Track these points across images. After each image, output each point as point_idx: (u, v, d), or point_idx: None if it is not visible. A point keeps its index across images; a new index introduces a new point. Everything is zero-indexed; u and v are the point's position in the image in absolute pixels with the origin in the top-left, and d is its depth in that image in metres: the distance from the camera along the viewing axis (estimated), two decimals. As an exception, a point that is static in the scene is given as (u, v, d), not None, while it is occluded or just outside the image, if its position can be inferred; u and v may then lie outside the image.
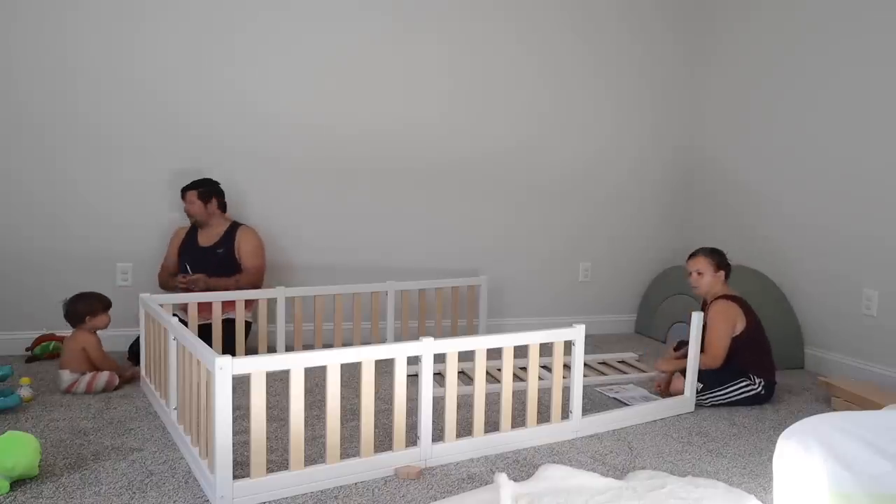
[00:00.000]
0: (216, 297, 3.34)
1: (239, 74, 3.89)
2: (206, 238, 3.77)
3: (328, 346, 3.82)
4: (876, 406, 2.76)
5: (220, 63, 3.85)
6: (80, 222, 3.68)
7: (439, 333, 3.94)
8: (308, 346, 3.80)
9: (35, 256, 3.62)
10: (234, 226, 3.80)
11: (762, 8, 4.26)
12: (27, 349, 3.50)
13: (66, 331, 3.61)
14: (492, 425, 2.58)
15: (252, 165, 3.95)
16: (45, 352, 3.49)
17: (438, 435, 2.47)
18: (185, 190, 3.73)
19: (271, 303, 3.49)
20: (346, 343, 3.89)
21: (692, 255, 3.30)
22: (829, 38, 3.83)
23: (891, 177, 3.50)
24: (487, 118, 4.39)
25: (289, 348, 3.69)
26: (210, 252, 3.72)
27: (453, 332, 4.07)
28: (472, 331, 4.16)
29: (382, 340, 3.90)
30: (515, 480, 2.23)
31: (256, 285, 3.70)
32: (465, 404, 2.88)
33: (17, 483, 2.09)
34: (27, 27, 3.53)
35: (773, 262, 4.16)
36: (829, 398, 3.22)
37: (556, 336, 2.66)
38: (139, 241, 3.78)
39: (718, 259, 3.26)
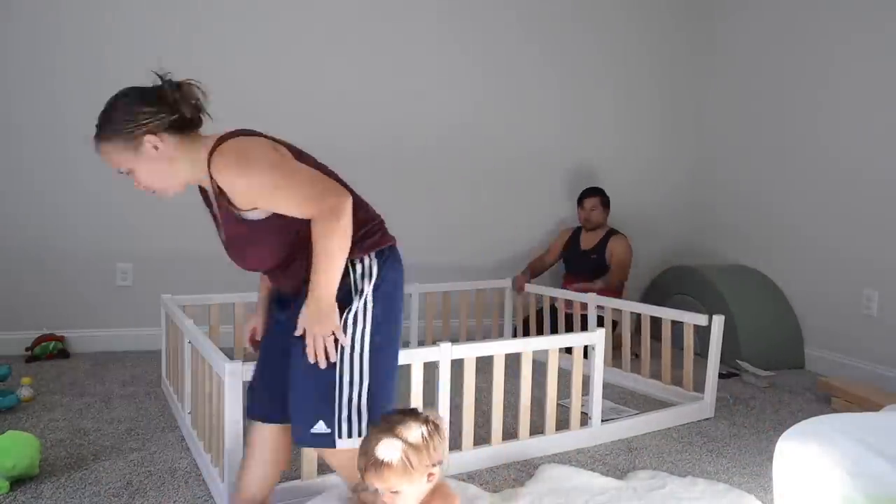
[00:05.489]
0: None
1: (249, 70, 3.84)
2: (587, 242, 4.17)
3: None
4: (876, 406, 2.76)
5: (229, 58, 3.80)
6: (81, 222, 3.67)
7: (464, 336, 3.94)
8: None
9: (35, 256, 3.61)
10: (610, 233, 4.14)
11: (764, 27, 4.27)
12: (27, 349, 3.49)
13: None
14: (509, 433, 2.52)
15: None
16: (45, 352, 3.48)
17: (455, 443, 2.36)
18: (586, 196, 4.16)
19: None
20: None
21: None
22: (831, 39, 3.83)
23: (892, 177, 3.49)
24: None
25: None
26: (586, 256, 4.13)
27: (479, 335, 4.02)
28: (497, 334, 4.11)
29: (405, 342, 3.86)
30: (518, 482, 2.23)
31: (619, 291, 3.99)
32: (482, 411, 2.76)
33: (17, 483, 2.09)
34: (28, 21, 3.52)
35: (773, 262, 4.16)
36: (829, 398, 3.22)
37: (576, 340, 2.60)
38: (139, 241, 3.77)
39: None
